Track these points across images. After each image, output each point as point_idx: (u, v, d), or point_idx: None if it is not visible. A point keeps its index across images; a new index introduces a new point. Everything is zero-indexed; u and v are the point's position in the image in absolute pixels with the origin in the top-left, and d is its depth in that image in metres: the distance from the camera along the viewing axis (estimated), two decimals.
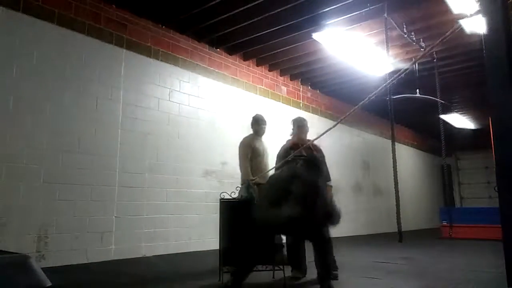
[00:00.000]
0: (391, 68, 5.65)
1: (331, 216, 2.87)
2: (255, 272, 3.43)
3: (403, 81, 5.00)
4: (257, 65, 7.09)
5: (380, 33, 5.54)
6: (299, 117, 4.07)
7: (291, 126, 3.99)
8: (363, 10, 5.10)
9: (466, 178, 14.68)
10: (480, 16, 2.18)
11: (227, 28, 5.75)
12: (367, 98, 2.89)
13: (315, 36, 5.47)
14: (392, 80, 3.08)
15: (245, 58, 6.82)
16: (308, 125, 3.99)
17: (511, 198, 1.98)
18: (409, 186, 11.42)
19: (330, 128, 3.25)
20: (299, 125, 3.93)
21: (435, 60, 6.78)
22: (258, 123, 4.57)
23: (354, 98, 7.62)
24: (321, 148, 3.93)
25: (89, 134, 4.57)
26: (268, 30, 5.74)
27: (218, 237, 3.40)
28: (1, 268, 2.06)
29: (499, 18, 1.95)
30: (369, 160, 10.02)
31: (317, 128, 4.40)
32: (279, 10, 5.15)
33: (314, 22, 5.39)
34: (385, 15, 5.10)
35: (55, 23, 4.42)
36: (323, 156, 3.84)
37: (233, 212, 3.41)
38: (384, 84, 3.29)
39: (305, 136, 3.94)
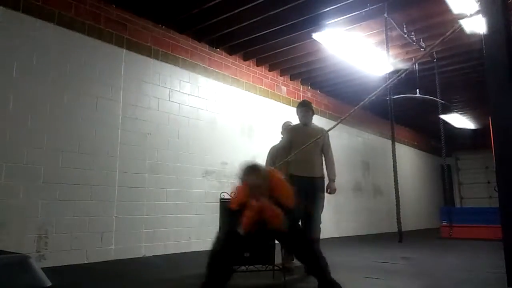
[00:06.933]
0: (391, 68, 5.66)
1: None
2: (255, 272, 3.44)
3: (403, 81, 5.00)
4: (257, 65, 7.08)
5: (380, 33, 5.54)
6: (304, 100, 4.28)
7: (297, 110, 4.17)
8: (363, 10, 5.09)
9: (466, 178, 14.65)
10: (480, 16, 2.18)
11: (227, 28, 5.74)
12: (367, 99, 2.89)
13: (315, 36, 5.47)
14: (392, 81, 3.09)
15: (245, 58, 6.82)
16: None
17: (511, 198, 1.98)
18: (409, 186, 11.42)
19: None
20: (304, 108, 4.10)
21: (435, 60, 6.77)
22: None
23: (354, 98, 7.65)
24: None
25: (89, 134, 4.57)
26: (268, 30, 5.73)
27: None
28: (1, 268, 2.06)
29: (499, 18, 1.96)
30: (369, 160, 10.01)
31: None
32: (279, 10, 5.15)
33: (314, 22, 5.38)
34: (385, 15, 5.10)
35: (55, 23, 4.42)
36: (328, 137, 4.03)
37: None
38: (385, 84, 3.30)
39: (310, 120, 4.11)
